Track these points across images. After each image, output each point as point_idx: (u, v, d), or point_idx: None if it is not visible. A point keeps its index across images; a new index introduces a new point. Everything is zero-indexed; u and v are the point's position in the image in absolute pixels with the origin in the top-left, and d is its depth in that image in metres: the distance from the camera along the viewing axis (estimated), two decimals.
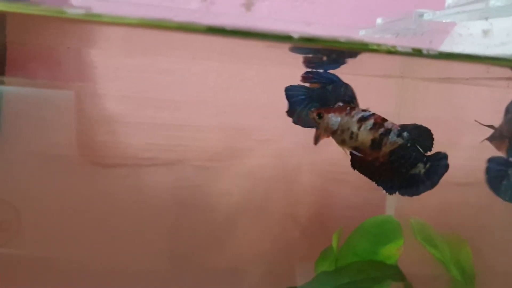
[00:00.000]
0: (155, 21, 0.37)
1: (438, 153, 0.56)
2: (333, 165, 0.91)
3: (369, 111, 0.55)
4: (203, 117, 0.91)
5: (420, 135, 0.55)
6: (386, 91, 0.82)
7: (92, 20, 0.38)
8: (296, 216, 0.95)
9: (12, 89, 0.84)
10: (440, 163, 0.55)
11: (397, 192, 0.57)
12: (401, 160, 0.54)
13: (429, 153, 0.56)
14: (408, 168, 0.55)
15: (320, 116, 0.58)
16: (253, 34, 0.36)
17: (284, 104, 0.95)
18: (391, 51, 0.41)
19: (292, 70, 0.93)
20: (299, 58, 0.91)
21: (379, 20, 0.83)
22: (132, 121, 0.89)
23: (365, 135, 0.54)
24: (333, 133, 0.56)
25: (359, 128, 0.54)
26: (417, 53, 0.42)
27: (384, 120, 0.54)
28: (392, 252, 0.66)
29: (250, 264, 0.96)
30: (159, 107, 0.90)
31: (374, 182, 0.56)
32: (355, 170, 0.56)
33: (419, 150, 0.55)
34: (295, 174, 0.95)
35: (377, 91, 0.77)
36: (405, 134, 0.54)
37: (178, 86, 0.89)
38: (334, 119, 0.56)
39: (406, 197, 0.84)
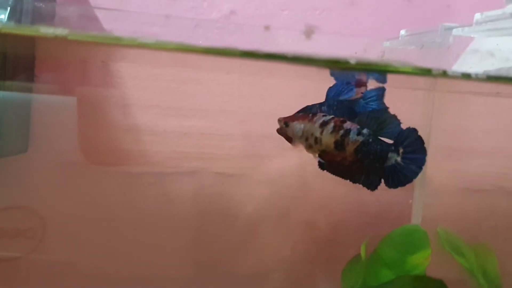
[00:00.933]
0: (220, 49, 0.38)
1: (402, 132, 0.54)
2: None
3: (330, 116, 0.57)
4: (227, 126, 0.93)
5: (380, 122, 0.55)
6: (415, 102, 0.84)
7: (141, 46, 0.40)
8: (318, 223, 0.97)
9: (40, 97, 0.85)
10: (411, 140, 0.54)
11: (378, 186, 0.57)
12: (370, 156, 0.55)
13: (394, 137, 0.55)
14: (381, 162, 0.55)
15: (286, 124, 0.61)
16: (312, 60, 0.37)
17: None
18: (443, 75, 0.42)
19: (313, 80, 0.95)
20: (320, 70, 0.92)
21: (402, 32, 0.84)
22: (158, 130, 0.90)
23: (328, 138, 0.56)
24: (300, 139, 0.59)
25: (321, 132, 0.56)
26: (466, 77, 0.43)
27: (344, 122, 0.56)
28: (420, 261, 0.68)
29: (272, 271, 0.97)
30: (185, 116, 0.91)
31: (348, 180, 0.57)
32: (324, 170, 0.57)
33: (383, 142, 0.55)
34: (316, 182, 0.96)
35: (407, 103, 0.78)
36: (364, 131, 0.55)
37: (203, 95, 0.91)
38: (298, 126, 0.58)
39: (431, 206, 0.86)
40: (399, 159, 0.54)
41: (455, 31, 0.66)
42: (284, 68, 0.92)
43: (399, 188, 0.90)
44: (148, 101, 0.89)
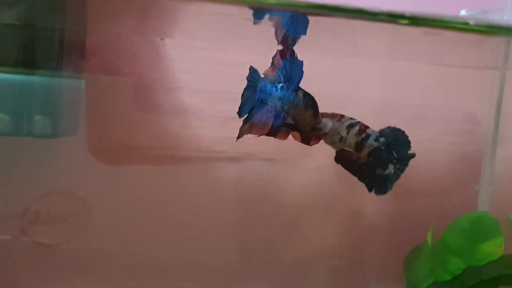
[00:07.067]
0: None
1: (407, 155, 0.62)
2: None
3: (355, 119, 0.63)
4: None
5: (397, 139, 0.61)
6: (485, 83, 0.80)
7: None
8: (367, 212, 0.94)
9: (90, 81, 0.83)
10: (404, 162, 0.62)
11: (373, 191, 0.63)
12: (378, 161, 0.61)
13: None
14: (383, 169, 0.61)
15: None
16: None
17: (358, 98, 0.94)
18: None
19: (365, 59, 0.92)
20: (358, 46, 0.88)
21: (463, 12, 0.81)
22: (206, 114, 0.88)
23: (351, 139, 0.62)
24: (324, 135, 0.64)
25: (347, 133, 0.62)
26: None
27: (367, 127, 0.62)
28: (493, 249, 0.65)
29: (318, 259, 0.95)
30: (232, 100, 0.88)
31: (356, 177, 0.63)
32: (338, 164, 0.64)
33: (392, 153, 0.61)
34: None
35: (476, 83, 0.75)
36: (381, 139, 0.61)
37: None
38: (328, 123, 0.64)
39: (500, 194, 0.83)
40: (392, 171, 0.62)
41: None
42: (331, 49, 0.89)
43: (464, 174, 0.87)
44: (196, 85, 0.87)
